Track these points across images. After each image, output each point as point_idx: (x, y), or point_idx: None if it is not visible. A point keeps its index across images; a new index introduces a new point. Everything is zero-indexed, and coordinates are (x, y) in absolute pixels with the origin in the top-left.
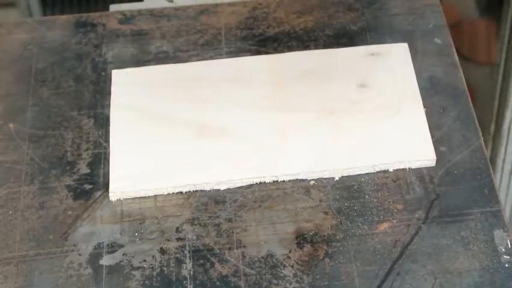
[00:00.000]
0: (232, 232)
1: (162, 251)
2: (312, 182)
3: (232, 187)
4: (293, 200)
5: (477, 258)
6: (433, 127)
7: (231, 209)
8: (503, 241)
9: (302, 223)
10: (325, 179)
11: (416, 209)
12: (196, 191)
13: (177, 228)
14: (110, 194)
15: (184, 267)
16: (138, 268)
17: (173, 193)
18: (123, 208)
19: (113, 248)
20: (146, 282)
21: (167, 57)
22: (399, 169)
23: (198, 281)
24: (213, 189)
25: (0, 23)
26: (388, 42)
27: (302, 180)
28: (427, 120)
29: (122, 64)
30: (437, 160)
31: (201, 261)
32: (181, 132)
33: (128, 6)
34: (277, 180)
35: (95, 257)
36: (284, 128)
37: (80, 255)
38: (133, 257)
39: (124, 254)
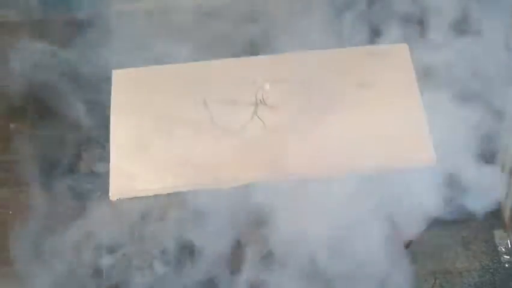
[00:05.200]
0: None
1: (162, 251)
2: (312, 182)
3: (232, 187)
4: (293, 200)
5: (477, 258)
6: (433, 127)
7: (231, 208)
8: (503, 241)
9: (302, 223)
10: (326, 178)
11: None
12: (196, 190)
13: (177, 228)
14: (110, 194)
15: (184, 267)
16: (138, 268)
17: (173, 193)
18: (123, 208)
19: (113, 248)
20: (146, 282)
21: (168, 57)
22: (399, 169)
23: (197, 281)
24: (213, 189)
25: (0, 23)
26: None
27: (302, 180)
28: (427, 120)
29: (123, 64)
30: (437, 160)
31: (201, 261)
32: (181, 132)
33: (128, 6)
34: (278, 180)
35: (95, 257)
36: (284, 128)
37: (80, 255)
38: (133, 257)
39: (124, 254)
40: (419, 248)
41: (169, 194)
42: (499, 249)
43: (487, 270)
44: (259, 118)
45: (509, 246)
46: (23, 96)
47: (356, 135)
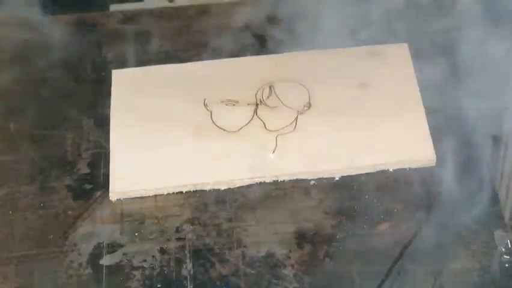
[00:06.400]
0: (232, 232)
1: (162, 251)
2: (312, 182)
3: (232, 187)
4: (293, 200)
5: (477, 258)
6: (433, 127)
7: (231, 209)
8: (503, 241)
9: (302, 223)
10: (325, 179)
11: (416, 209)
12: (196, 191)
13: (177, 228)
14: (110, 194)
15: (184, 267)
16: (138, 268)
17: (173, 193)
18: (123, 208)
19: (113, 248)
20: (146, 282)
21: (167, 57)
22: (399, 169)
23: (198, 281)
24: (213, 189)
25: (1, 22)
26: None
27: (302, 180)
28: (427, 120)
29: (123, 64)
30: (437, 160)
31: (201, 261)
32: (181, 132)
33: (128, 6)
34: (277, 180)
35: (95, 257)
36: (284, 128)
37: (80, 255)
38: (133, 257)
39: (124, 254)
40: (419, 248)
41: (169, 194)
42: (499, 249)
43: (487, 270)
44: (259, 118)
45: (509, 246)
46: (23, 96)
47: (356, 135)
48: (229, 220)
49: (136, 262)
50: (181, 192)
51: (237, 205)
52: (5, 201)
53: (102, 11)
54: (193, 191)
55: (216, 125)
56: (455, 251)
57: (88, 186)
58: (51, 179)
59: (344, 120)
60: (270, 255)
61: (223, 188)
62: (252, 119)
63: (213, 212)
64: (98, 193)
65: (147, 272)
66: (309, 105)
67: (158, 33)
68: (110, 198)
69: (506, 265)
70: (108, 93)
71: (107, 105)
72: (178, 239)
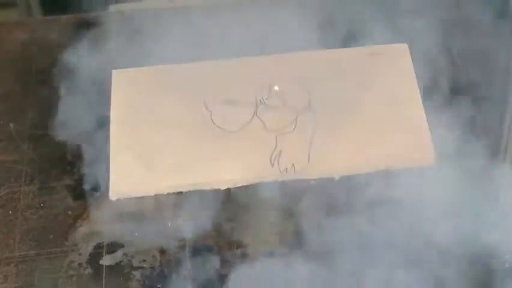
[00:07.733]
0: (232, 232)
1: (162, 251)
2: (312, 182)
3: (232, 187)
4: (293, 200)
5: (476, 258)
6: (433, 127)
7: (231, 209)
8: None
9: (302, 223)
10: (325, 179)
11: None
12: (196, 191)
13: (177, 228)
14: (110, 194)
15: (184, 267)
16: (138, 268)
17: (173, 193)
18: (123, 208)
19: (113, 248)
20: (146, 282)
21: (168, 57)
22: (399, 169)
23: (197, 281)
24: (213, 189)
25: (0, 22)
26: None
27: (302, 180)
28: (427, 120)
29: (123, 64)
30: (437, 160)
31: (201, 261)
32: (181, 132)
33: (128, 6)
34: (277, 180)
35: (95, 257)
36: (284, 128)
37: (80, 255)
38: (133, 257)
39: (124, 254)
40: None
41: (169, 194)
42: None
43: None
44: (259, 118)
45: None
46: (23, 96)
47: (356, 135)
48: (229, 220)
49: (136, 262)
50: (181, 192)
51: (237, 205)
52: (5, 201)
53: (102, 11)
54: (193, 191)
55: (216, 125)
56: (455, 251)
57: (88, 186)
58: (51, 179)
59: (343, 120)
60: (270, 255)
61: (223, 188)
62: (252, 119)
63: (213, 212)
64: (98, 193)
65: (147, 272)
66: (309, 105)
67: (158, 33)
68: (110, 198)
69: (506, 265)
70: (108, 94)
71: (107, 105)
72: (178, 239)
